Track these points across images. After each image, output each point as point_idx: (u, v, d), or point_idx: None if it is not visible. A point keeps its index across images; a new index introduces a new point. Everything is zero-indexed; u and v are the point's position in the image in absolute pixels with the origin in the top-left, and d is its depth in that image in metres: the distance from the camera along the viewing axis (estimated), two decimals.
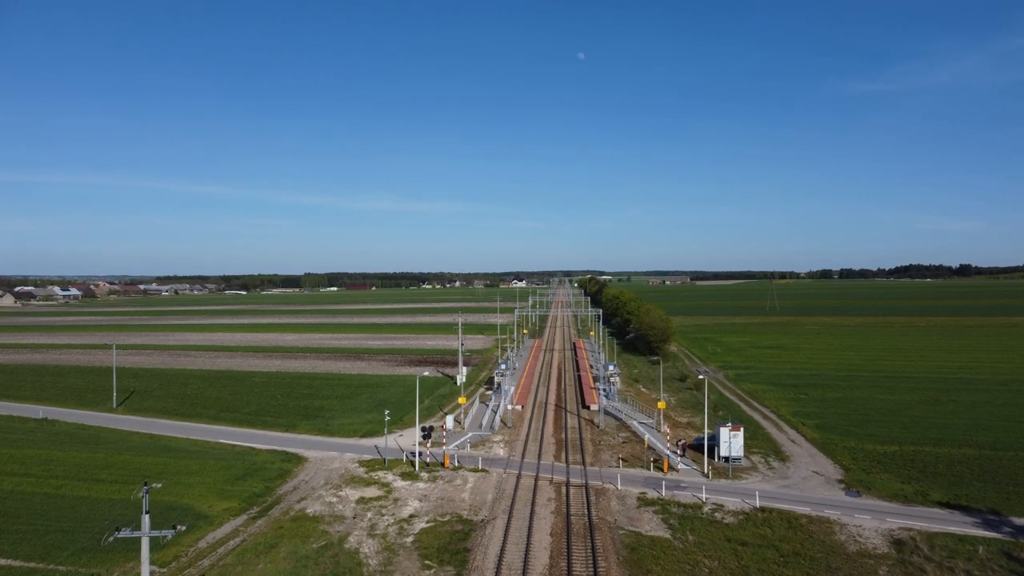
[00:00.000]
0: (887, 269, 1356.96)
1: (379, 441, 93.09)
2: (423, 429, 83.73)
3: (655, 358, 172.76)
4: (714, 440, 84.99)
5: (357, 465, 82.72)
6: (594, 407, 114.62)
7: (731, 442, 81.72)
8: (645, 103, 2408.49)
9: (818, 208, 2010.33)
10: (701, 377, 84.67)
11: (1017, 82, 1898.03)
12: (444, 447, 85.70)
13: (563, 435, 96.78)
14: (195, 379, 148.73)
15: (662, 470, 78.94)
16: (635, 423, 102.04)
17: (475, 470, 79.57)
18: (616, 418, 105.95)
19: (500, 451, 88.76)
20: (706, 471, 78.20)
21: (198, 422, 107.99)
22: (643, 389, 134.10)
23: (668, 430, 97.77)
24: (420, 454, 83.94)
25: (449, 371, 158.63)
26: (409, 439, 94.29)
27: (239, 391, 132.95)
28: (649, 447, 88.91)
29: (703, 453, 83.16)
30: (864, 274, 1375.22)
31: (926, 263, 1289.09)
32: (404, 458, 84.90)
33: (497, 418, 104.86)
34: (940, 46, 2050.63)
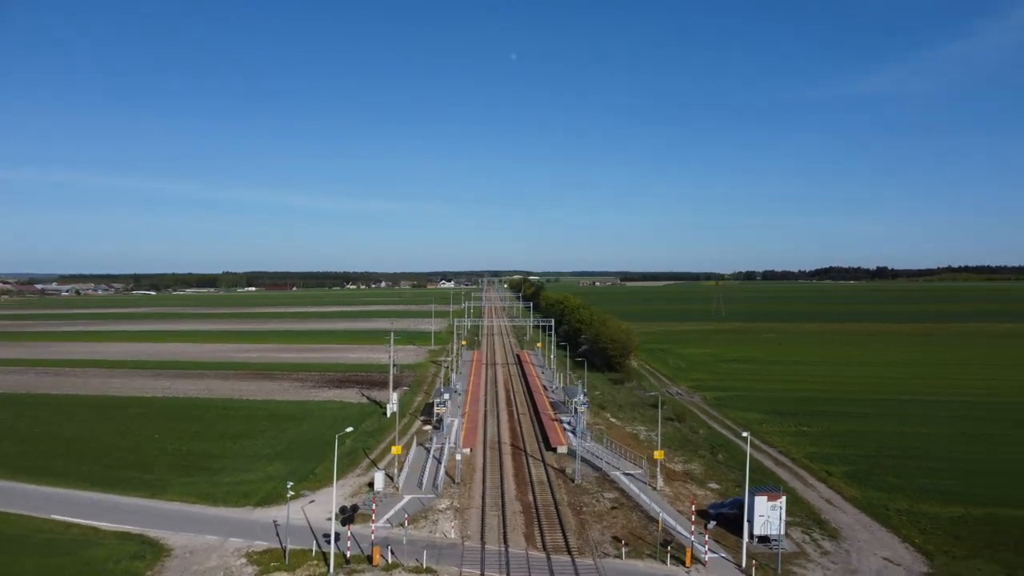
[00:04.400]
0: (808, 271, 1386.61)
1: (280, 513, 67.05)
2: (343, 510, 58.93)
3: (617, 375, 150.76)
4: (740, 509, 63.14)
5: (244, 562, 56.91)
6: (562, 449, 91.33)
7: (770, 516, 59.57)
8: (572, 103, 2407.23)
9: (738, 210, 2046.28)
10: (745, 434, 61.92)
11: (926, 93, 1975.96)
12: (372, 526, 60.74)
13: (530, 496, 72.98)
14: (54, 409, 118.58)
15: (682, 562, 55.94)
16: (620, 475, 79.03)
17: (418, 570, 54.87)
18: (594, 467, 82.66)
19: (449, 528, 64.17)
20: (744, 564, 55.55)
21: (33, 482, 79.24)
22: (613, 419, 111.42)
23: (666, 486, 75.13)
24: (337, 538, 58.82)
25: (376, 394, 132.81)
26: (323, 507, 68.70)
27: (105, 429, 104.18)
28: (650, 517, 65.91)
29: (721, 523, 61.19)
30: (787, 276, 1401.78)
31: (844, 265, 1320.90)
32: (314, 548, 59.45)
33: (442, 470, 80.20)
34: (856, 56, 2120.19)
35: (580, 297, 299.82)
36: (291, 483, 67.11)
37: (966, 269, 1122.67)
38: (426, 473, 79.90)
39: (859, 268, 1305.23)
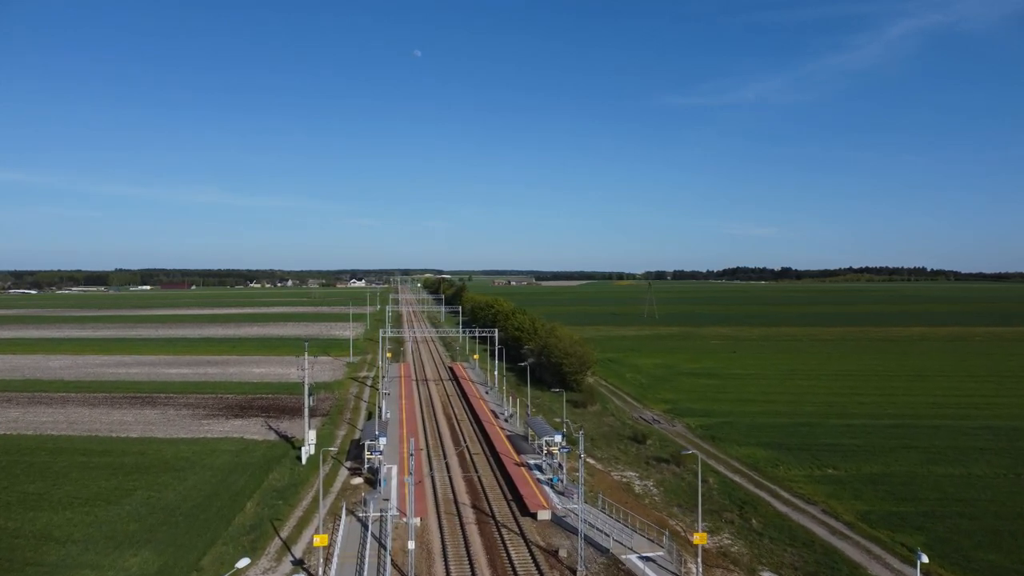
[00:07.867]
0: (716, 271, 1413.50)
1: None
2: None
3: (576, 396, 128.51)
4: None
5: None
6: (543, 515, 68.49)
7: None
8: (479, 101, 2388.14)
9: (645, 211, 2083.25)
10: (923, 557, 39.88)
11: (811, 102, 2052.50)
12: None
13: None
14: None
15: None
16: (636, 560, 56.90)
17: None
18: (596, 546, 60.23)
19: None
20: None
21: None
22: (591, 460, 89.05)
23: None
24: None
25: (287, 426, 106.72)
26: None
27: None
28: None
29: None
30: (695, 275, 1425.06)
31: (750, 266, 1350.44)
32: None
33: (388, 562, 56.09)
34: (745, 67, 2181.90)
35: (506, 299, 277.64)
36: None
37: (867, 270, 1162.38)
38: (366, 568, 55.56)
39: (764, 268, 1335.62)
